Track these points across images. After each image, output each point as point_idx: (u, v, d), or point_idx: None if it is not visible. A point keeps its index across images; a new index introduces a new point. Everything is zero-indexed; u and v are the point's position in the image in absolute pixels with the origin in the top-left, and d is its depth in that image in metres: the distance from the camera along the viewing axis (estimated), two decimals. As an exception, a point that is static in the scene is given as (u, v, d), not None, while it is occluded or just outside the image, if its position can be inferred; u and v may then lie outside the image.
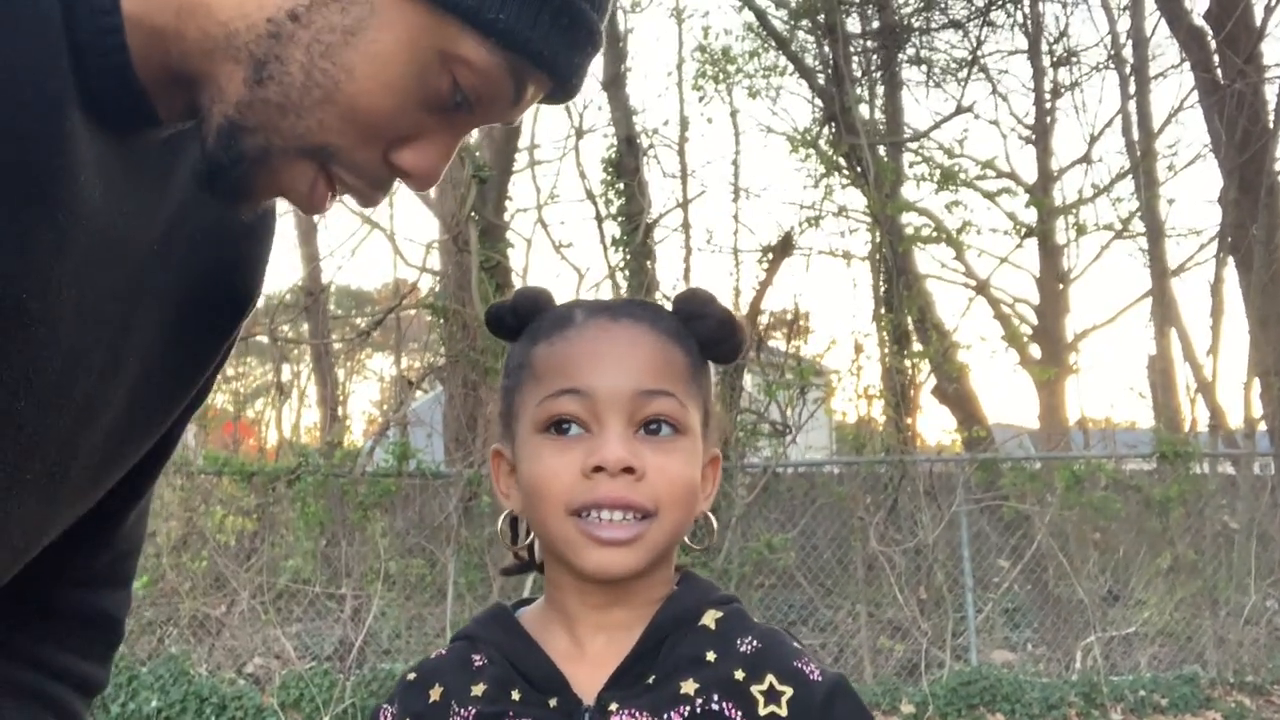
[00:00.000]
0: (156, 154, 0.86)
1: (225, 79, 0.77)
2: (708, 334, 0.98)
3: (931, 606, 7.40)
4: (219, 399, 12.49)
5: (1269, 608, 7.83)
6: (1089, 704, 6.70)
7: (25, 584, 0.95)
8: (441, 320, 9.75)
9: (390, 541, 7.46)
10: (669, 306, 1.01)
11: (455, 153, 0.86)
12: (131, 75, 0.78)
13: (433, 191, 13.48)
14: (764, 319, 9.72)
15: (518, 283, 9.41)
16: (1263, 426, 9.30)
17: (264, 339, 10.05)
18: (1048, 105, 14.54)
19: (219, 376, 1.09)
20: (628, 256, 9.07)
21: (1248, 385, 9.45)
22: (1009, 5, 13.19)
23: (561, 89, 0.85)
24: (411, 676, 0.99)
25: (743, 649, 0.93)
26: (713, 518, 1.01)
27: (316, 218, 13.69)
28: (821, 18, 10.41)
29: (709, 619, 0.95)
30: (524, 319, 1.00)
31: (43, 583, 0.99)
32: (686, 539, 0.99)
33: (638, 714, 0.89)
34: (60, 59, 0.74)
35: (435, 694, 0.95)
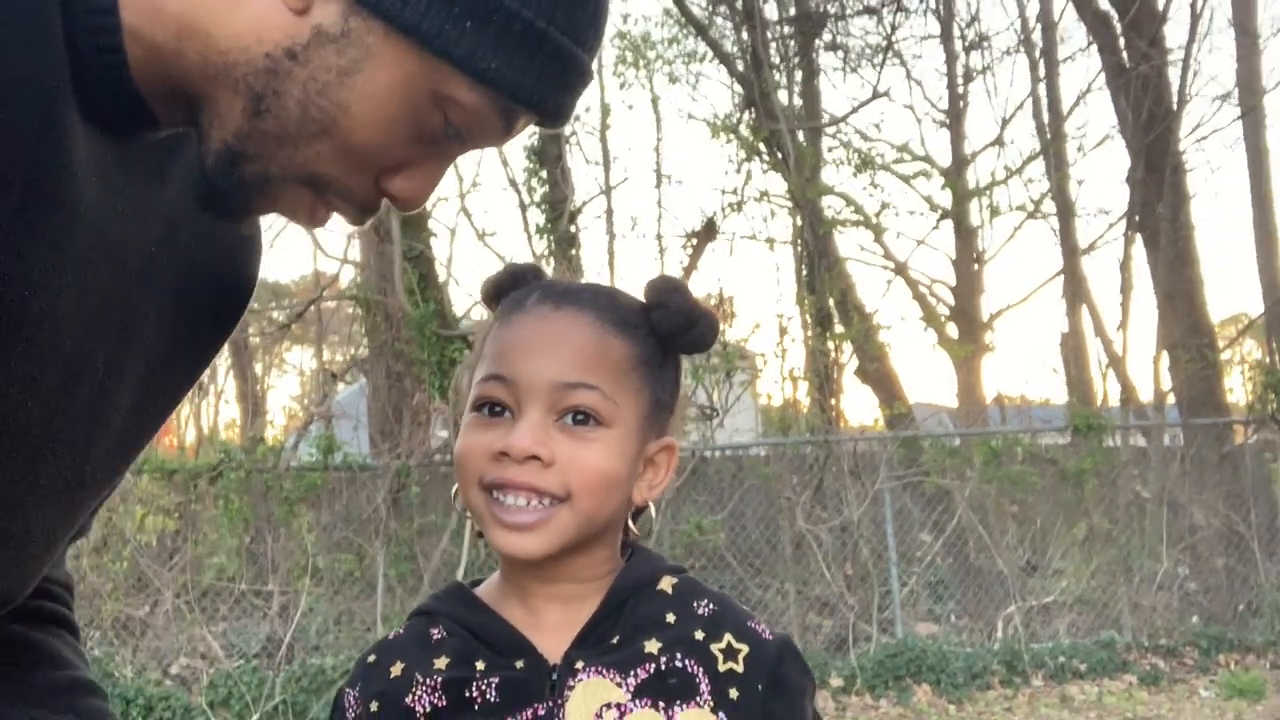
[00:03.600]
0: (152, 154, 0.86)
1: (225, 106, 0.79)
2: (666, 325, 0.99)
3: (857, 582, 7.54)
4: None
5: (1180, 574, 8.11)
6: (1011, 672, 6.90)
7: None
8: (364, 311, 9.64)
9: (317, 536, 7.38)
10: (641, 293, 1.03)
11: (443, 176, 0.89)
12: (127, 78, 0.79)
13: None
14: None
15: (441, 273, 9.34)
16: (1171, 399, 9.62)
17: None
18: (960, 89, 14.83)
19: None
20: (552, 244, 9.05)
21: (1156, 359, 9.76)
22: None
23: (551, 123, 0.88)
24: (371, 659, 1.00)
25: (700, 611, 0.98)
26: (652, 506, 1.04)
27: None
28: (739, 4, 10.48)
29: (665, 584, 1.00)
30: (503, 293, 1.04)
31: None
32: (633, 526, 1.03)
33: (605, 671, 0.93)
34: (58, 57, 0.74)
35: (397, 670, 0.97)
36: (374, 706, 0.96)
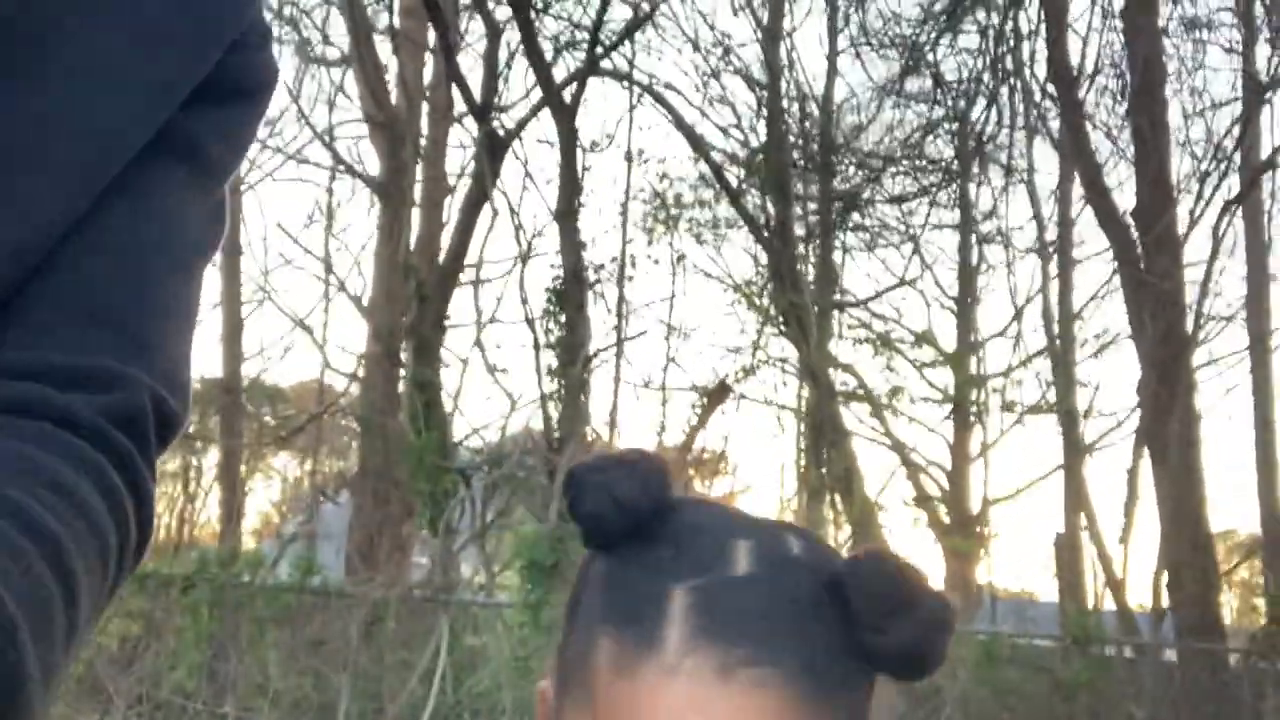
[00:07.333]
0: None
1: None
2: (898, 651, 0.62)
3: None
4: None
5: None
6: None
7: None
8: (363, 431, 9.55)
9: (282, 660, 7.11)
10: (802, 556, 0.66)
11: None
12: None
13: (366, 299, 13.18)
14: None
15: (447, 403, 9.25)
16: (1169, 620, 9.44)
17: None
18: (972, 281, 15.00)
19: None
20: (561, 388, 9.01)
21: (1157, 575, 9.61)
22: (948, 188, 13.79)
23: None
24: None
25: None
26: None
27: (245, 313, 13.27)
28: (773, 178, 10.73)
29: None
30: (610, 530, 0.66)
31: None
32: None
33: None
34: None
35: None
36: None
